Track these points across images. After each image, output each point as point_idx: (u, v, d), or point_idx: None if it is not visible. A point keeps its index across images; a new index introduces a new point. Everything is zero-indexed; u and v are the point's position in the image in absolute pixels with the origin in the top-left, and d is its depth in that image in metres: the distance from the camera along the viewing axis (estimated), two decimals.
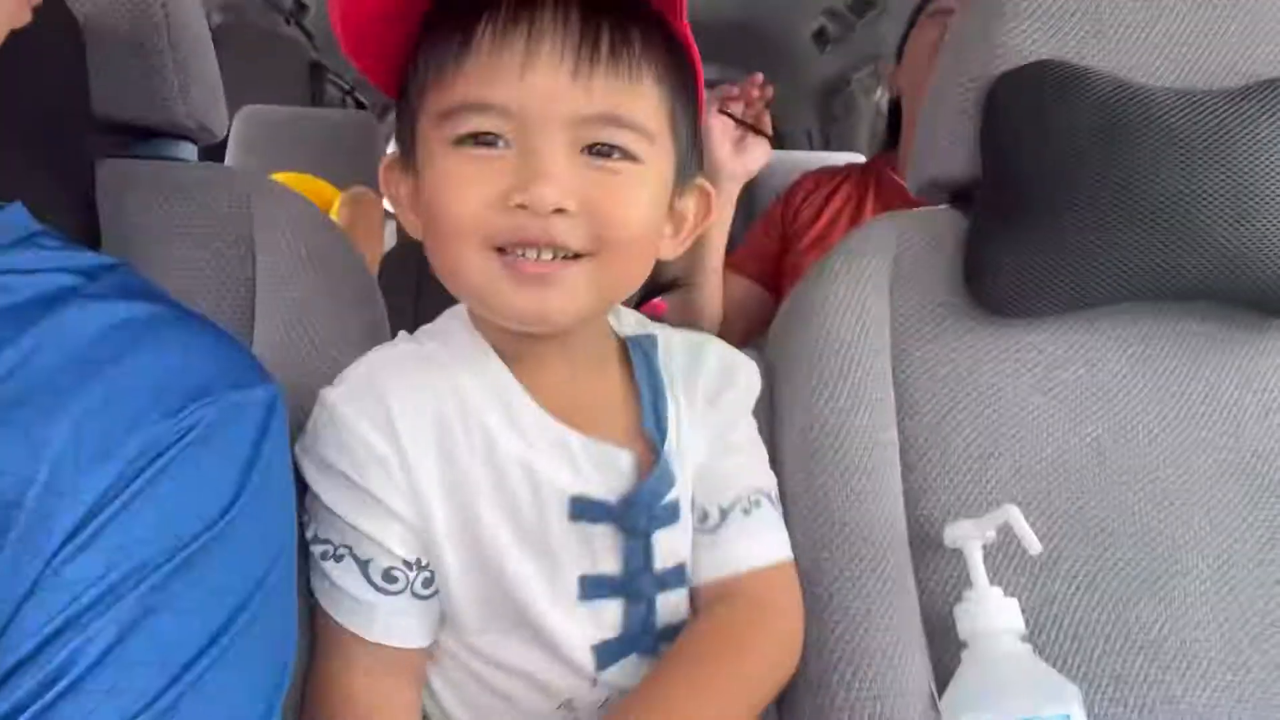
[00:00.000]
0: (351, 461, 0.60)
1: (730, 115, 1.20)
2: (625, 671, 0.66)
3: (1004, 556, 0.73)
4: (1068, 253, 0.74)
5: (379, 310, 0.81)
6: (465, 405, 0.63)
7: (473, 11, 0.57)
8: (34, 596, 0.44)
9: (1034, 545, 0.66)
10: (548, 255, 0.57)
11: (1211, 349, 0.81)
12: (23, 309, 0.51)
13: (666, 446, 0.66)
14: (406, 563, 0.62)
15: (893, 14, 2.08)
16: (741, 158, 1.20)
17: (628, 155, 0.59)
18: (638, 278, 0.65)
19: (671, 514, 0.66)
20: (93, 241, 0.71)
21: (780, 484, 0.75)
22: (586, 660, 0.64)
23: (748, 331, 1.35)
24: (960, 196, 0.85)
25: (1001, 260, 0.76)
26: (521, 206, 0.56)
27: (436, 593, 0.63)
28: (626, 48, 0.57)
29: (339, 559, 0.62)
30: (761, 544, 0.69)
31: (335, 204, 1.61)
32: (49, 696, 0.43)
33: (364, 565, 0.62)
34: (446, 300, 0.67)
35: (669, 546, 0.66)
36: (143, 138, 0.80)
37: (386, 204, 1.83)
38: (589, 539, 0.64)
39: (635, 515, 0.65)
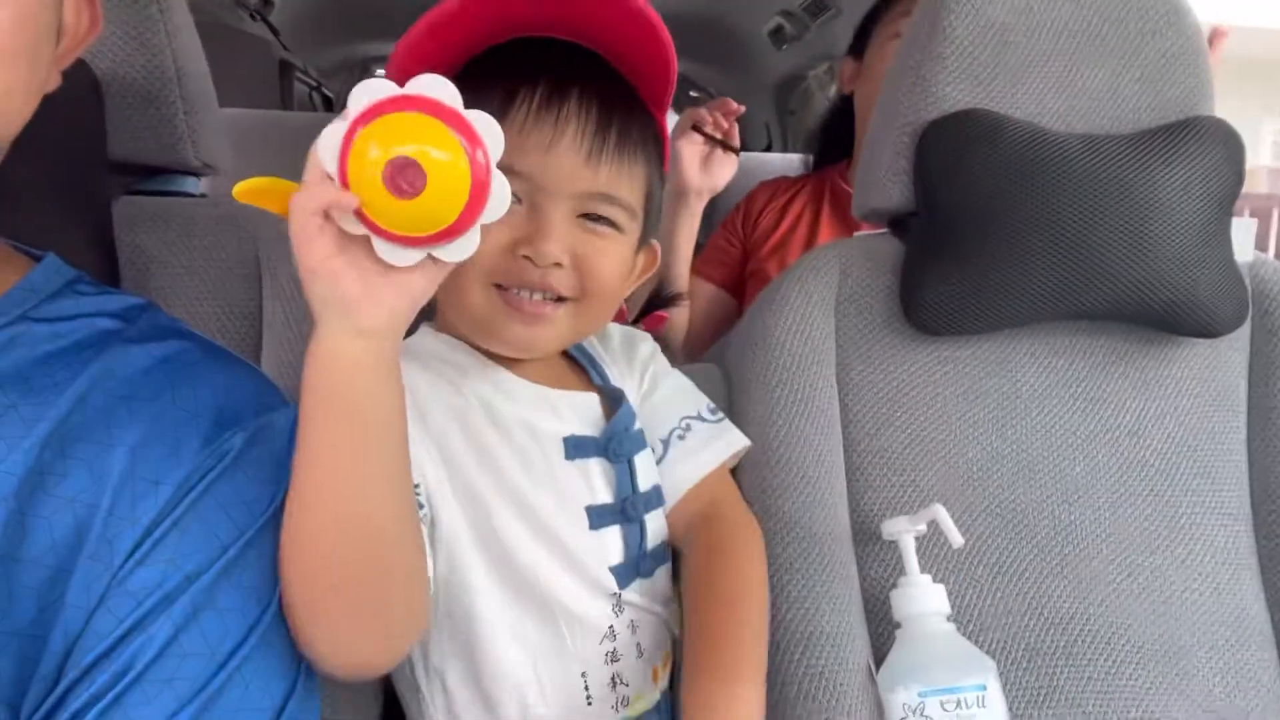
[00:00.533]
0: None
1: (701, 132, 1.28)
2: (636, 592, 0.75)
3: (934, 547, 0.83)
4: (989, 280, 0.83)
5: None
6: (462, 385, 0.74)
7: (509, 85, 0.68)
8: (103, 605, 0.51)
9: (956, 540, 0.75)
10: (539, 296, 0.69)
11: (1116, 361, 0.91)
12: (71, 353, 0.57)
13: (616, 391, 0.80)
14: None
15: (847, 16, 2.16)
16: (709, 175, 1.29)
17: (613, 225, 0.72)
18: (607, 318, 0.80)
19: (640, 440, 0.79)
20: (112, 276, 0.78)
21: (739, 486, 0.84)
22: (610, 580, 0.74)
23: (716, 334, 1.43)
24: (898, 223, 0.94)
25: (932, 286, 0.85)
26: (526, 257, 0.68)
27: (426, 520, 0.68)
28: (629, 138, 0.70)
29: None
30: (697, 459, 0.81)
31: None
32: (119, 687, 0.50)
33: None
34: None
35: (645, 470, 0.78)
36: (151, 174, 0.87)
37: None
38: (586, 474, 0.75)
39: (617, 443, 0.76)
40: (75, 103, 0.74)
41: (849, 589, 0.80)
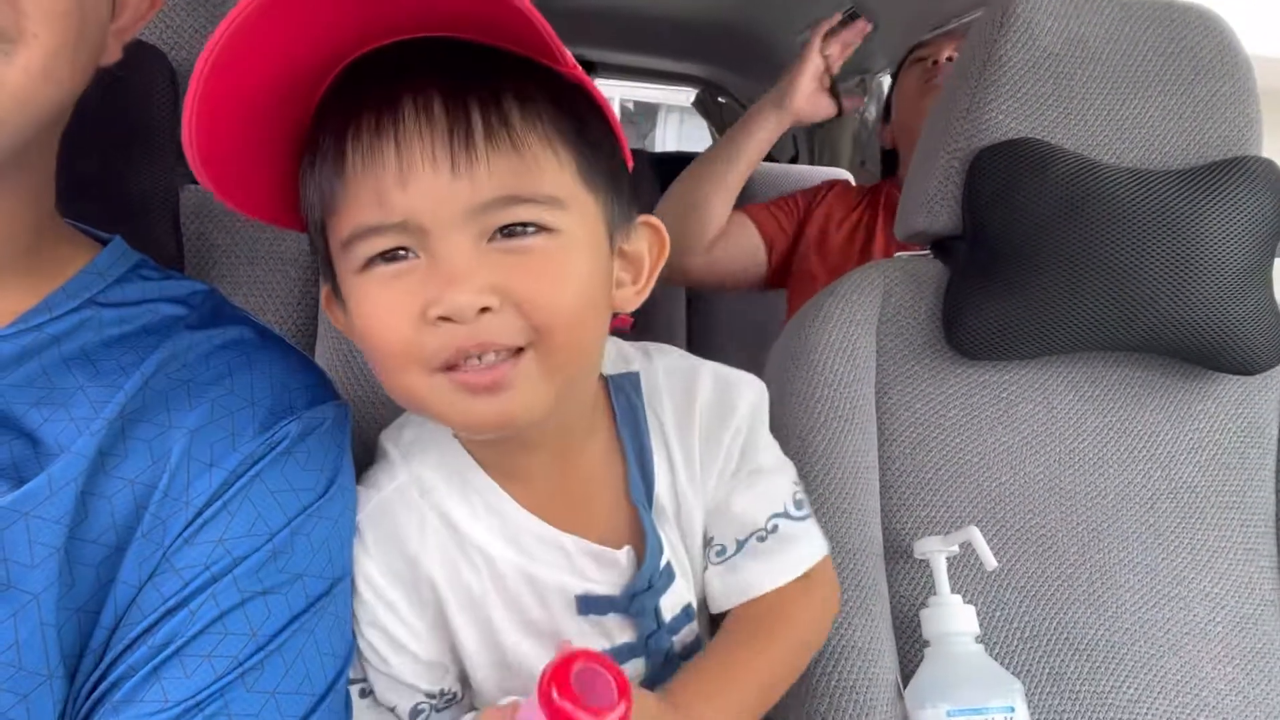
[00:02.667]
0: (363, 605, 0.62)
1: (827, 64, 1.34)
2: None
3: (963, 567, 0.84)
4: (1031, 308, 0.84)
5: None
6: (460, 531, 0.64)
7: (340, 132, 0.54)
8: (151, 582, 0.53)
9: (990, 562, 0.77)
10: (491, 357, 0.54)
11: (1152, 393, 0.92)
12: (137, 337, 0.59)
13: (655, 510, 0.67)
14: (429, 694, 0.65)
15: (880, 29, 2.17)
16: (812, 103, 1.34)
17: (541, 228, 0.55)
18: (593, 353, 0.61)
19: (669, 575, 0.68)
20: (178, 264, 0.80)
21: None
22: None
23: (723, 273, 1.43)
24: (941, 245, 0.95)
25: (975, 311, 0.86)
26: (445, 319, 0.53)
27: (455, 701, 0.67)
28: (501, 122, 0.54)
29: (364, 695, 0.65)
30: (778, 565, 0.69)
31: None
32: (158, 660, 0.52)
33: (392, 709, 0.65)
34: None
35: (673, 600, 0.69)
36: None
37: None
38: (601, 623, 0.67)
39: (641, 602, 0.66)
40: (152, 92, 0.76)
41: (880, 605, 0.81)
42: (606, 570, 0.66)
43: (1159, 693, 0.84)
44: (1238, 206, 0.84)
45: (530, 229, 0.54)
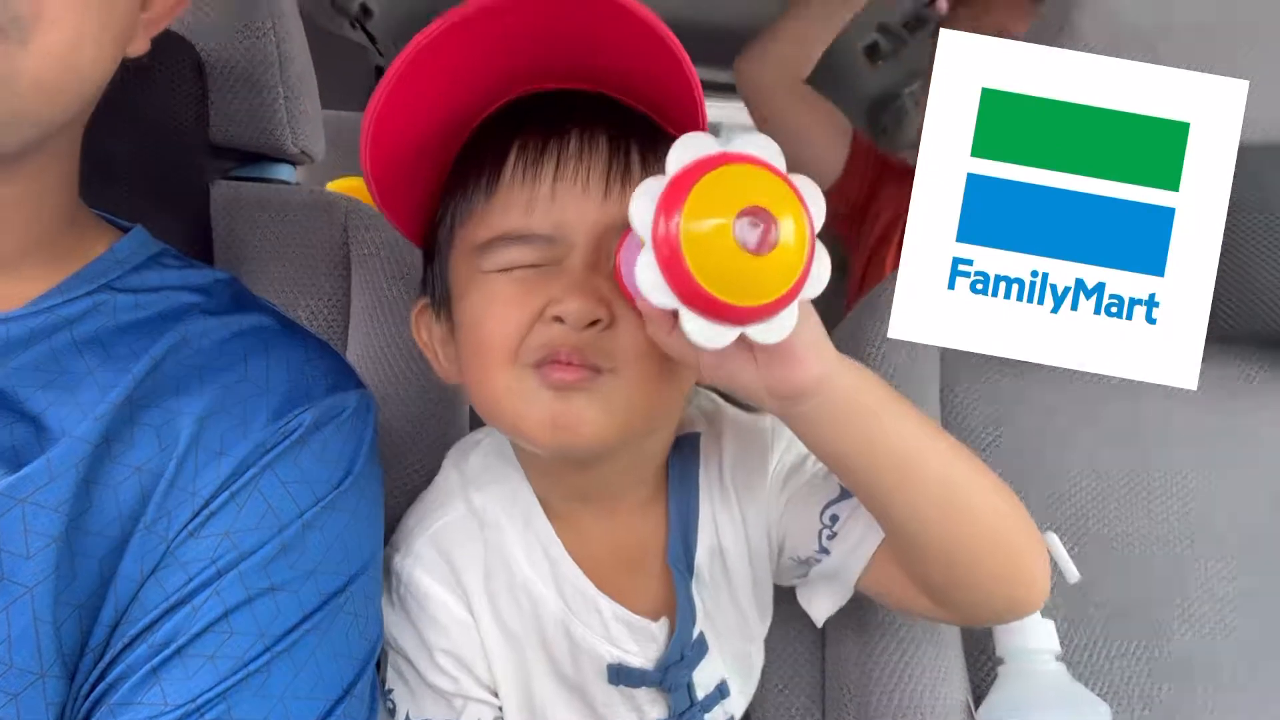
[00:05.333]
0: (439, 628, 0.63)
1: None
2: None
3: None
4: None
5: None
6: (512, 568, 0.64)
7: (503, 147, 0.58)
8: (154, 577, 0.50)
9: (1072, 574, 0.70)
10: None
11: (1246, 389, 0.84)
12: (152, 323, 0.57)
13: (695, 577, 0.66)
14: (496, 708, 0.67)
15: None
16: None
17: None
18: (663, 403, 0.60)
19: (701, 647, 0.67)
20: (207, 258, 0.78)
21: None
22: None
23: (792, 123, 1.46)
24: None
25: None
26: (558, 319, 0.55)
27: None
28: (657, 160, 0.56)
29: None
30: (863, 540, 0.63)
31: None
32: (158, 659, 0.49)
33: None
34: None
35: (706, 676, 0.68)
36: (247, 159, 0.87)
37: None
38: (632, 696, 0.67)
39: (675, 675, 0.66)
40: (179, 83, 0.75)
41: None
42: (642, 642, 0.66)
43: (1262, 715, 0.76)
44: None
45: None
